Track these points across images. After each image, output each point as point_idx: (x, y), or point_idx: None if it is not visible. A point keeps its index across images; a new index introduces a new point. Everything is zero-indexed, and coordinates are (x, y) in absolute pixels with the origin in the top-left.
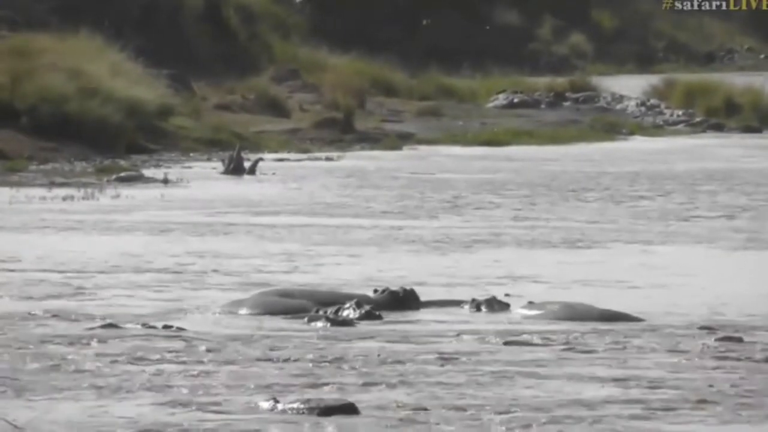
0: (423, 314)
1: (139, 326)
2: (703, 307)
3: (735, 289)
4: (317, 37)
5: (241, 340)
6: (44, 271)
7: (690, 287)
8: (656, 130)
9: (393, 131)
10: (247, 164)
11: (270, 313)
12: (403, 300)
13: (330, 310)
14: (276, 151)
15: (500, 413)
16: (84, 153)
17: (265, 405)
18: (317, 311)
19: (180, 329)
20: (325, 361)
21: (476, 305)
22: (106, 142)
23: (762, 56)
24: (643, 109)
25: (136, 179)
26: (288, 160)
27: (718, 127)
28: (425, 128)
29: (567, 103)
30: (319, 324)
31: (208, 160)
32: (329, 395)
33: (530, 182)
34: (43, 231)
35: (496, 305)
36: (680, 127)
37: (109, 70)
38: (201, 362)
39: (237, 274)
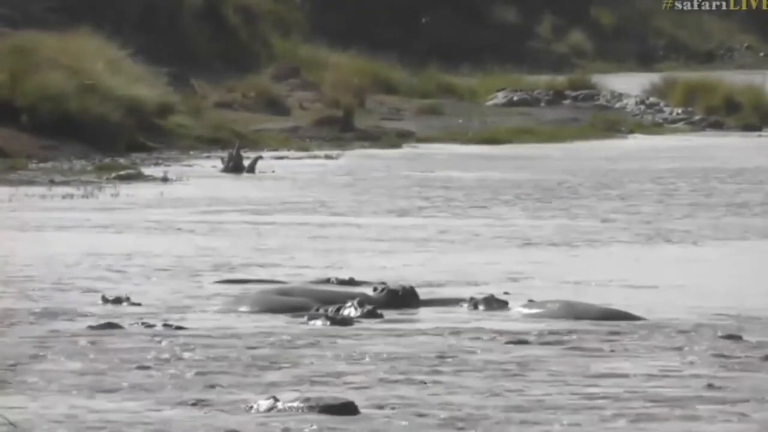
0: (422, 313)
1: (138, 325)
2: (704, 306)
3: (735, 288)
4: (317, 35)
5: (240, 338)
6: (44, 269)
7: (691, 286)
8: (656, 128)
9: (393, 129)
10: (246, 162)
11: (270, 311)
12: (403, 298)
13: (331, 309)
14: (276, 150)
15: (500, 412)
16: (84, 151)
17: (265, 404)
18: (317, 309)
19: (180, 328)
20: (324, 360)
21: (474, 304)
22: (105, 141)
23: (762, 54)
24: (642, 107)
25: (136, 177)
26: (287, 158)
27: (718, 126)
28: (425, 126)
29: (567, 102)
30: (319, 322)
31: (208, 158)
32: (329, 394)
33: (530, 181)
34: (42, 230)
35: (494, 304)
36: (680, 125)
37: (108, 69)
38: (201, 361)
39: (237, 272)
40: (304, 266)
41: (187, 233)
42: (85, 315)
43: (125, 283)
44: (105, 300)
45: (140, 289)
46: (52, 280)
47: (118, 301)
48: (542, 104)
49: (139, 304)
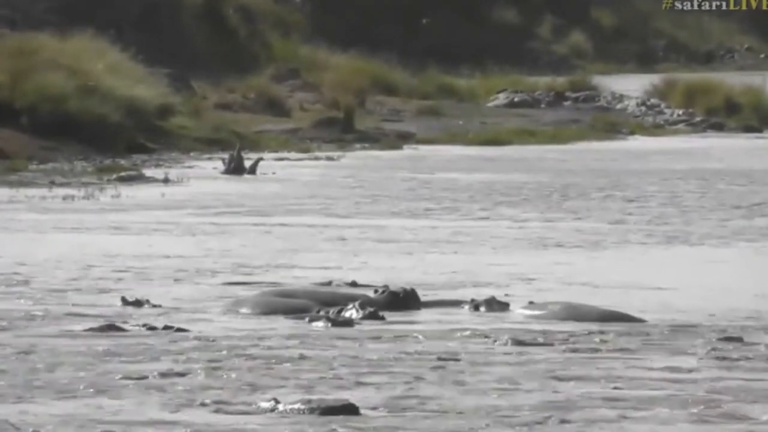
0: (423, 314)
1: (139, 326)
2: (704, 307)
3: (735, 289)
4: (317, 36)
5: (241, 340)
6: (44, 270)
7: (690, 287)
8: (656, 129)
9: (393, 131)
10: (247, 164)
11: (271, 313)
12: (404, 300)
13: (332, 311)
14: (276, 151)
15: (500, 413)
16: (84, 152)
17: (266, 405)
18: (318, 311)
19: (181, 329)
20: (325, 361)
21: (475, 305)
22: (106, 142)
23: (762, 56)
24: (643, 108)
25: (137, 179)
26: (288, 159)
27: (718, 127)
28: (425, 128)
29: (567, 103)
30: (320, 324)
31: (209, 159)
32: (330, 395)
33: (533, 182)
34: (43, 231)
35: (495, 305)
36: (680, 126)
37: (109, 70)
38: (201, 362)
39: (238, 273)
40: (307, 268)
41: (188, 234)
42: (85, 316)
43: (126, 285)
44: (125, 302)
45: (141, 290)
46: (53, 281)
47: (138, 303)
48: (543, 105)
49: (159, 306)
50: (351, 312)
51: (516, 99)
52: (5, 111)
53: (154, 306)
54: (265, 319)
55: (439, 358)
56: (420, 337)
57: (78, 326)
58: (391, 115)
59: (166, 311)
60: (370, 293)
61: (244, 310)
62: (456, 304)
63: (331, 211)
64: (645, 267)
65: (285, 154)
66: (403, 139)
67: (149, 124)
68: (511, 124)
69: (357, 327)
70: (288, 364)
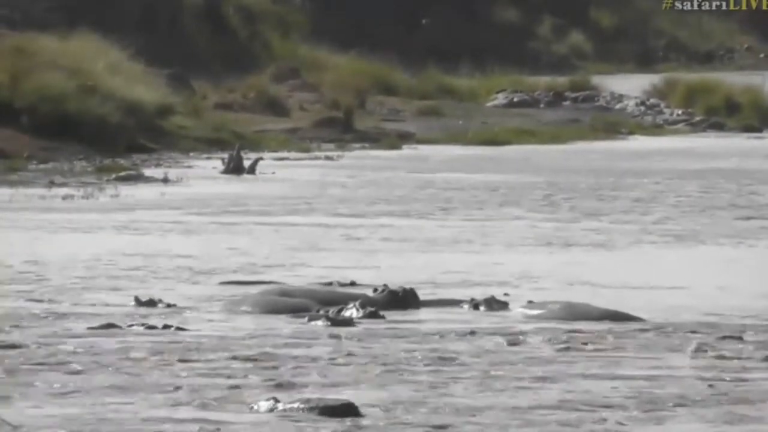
0: (422, 314)
1: (139, 326)
2: (703, 307)
3: (735, 289)
4: (317, 35)
5: (241, 339)
6: (44, 270)
7: (690, 287)
8: (656, 129)
9: (393, 130)
10: (247, 163)
11: (271, 312)
12: (403, 299)
13: (332, 310)
14: (276, 151)
15: (500, 412)
16: (84, 152)
17: (265, 405)
18: (318, 311)
19: (180, 329)
20: (325, 361)
21: (474, 305)
22: (105, 142)
23: (762, 55)
24: (642, 108)
25: (136, 178)
26: (288, 159)
27: (718, 127)
28: (425, 128)
29: (567, 103)
30: (320, 323)
31: (208, 159)
32: (329, 395)
33: (534, 182)
34: (42, 230)
35: (494, 304)
36: (680, 126)
37: (108, 70)
38: (200, 362)
39: (237, 273)
40: (309, 267)
41: (187, 234)
42: (85, 316)
43: (126, 284)
44: (138, 302)
45: (141, 290)
46: (53, 281)
47: (151, 303)
48: (542, 105)
49: (174, 305)
50: (351, 311)
51: (516, 99)
52: (5, 111)
53: (169, 306)
54: (265, 319)
55: (439, 358)
56: (419, 336)
57: (81, 325)
58: (391, 114)
59: (177, 311)
60: (370, 292)
61: (244, 309)
62: (455, 303)
63: (332, 211)
64: (648, 266)
65: (285, 154)
66: (403, 139)
67: (149, 124)
68: (511, 124)
69: (356, 326)
70: (288, 364)
